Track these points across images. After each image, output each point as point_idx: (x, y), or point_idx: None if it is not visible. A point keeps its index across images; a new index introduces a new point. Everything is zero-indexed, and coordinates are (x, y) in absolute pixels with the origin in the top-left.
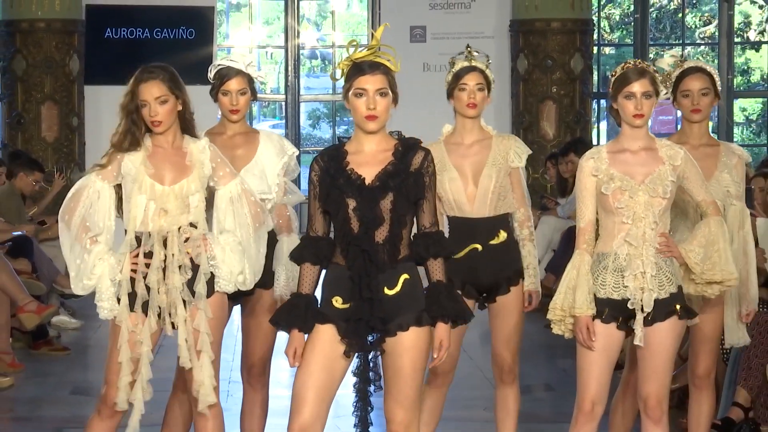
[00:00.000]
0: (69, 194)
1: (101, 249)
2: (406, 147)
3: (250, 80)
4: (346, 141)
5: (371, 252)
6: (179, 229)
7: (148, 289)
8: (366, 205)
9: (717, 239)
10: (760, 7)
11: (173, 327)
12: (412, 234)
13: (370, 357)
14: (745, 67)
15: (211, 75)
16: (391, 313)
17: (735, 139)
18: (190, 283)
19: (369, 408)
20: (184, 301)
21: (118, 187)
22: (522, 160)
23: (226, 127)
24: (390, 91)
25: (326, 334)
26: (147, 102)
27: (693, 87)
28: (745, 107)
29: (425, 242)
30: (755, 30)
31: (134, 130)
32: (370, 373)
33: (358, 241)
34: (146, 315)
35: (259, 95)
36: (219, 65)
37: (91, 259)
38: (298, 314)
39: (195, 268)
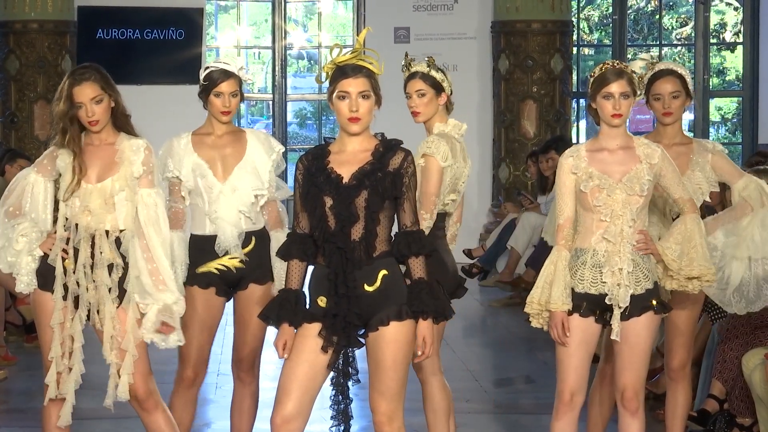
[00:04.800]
0: (8, 186)
1: (25, 226)
2: (387, 147)
3: (240, 83)
4: (332, 141)
5: (347, 249)
6: (107, 231)
7: (77, 283)
8: (341, 203)
9: (693, 236)
10: (735, 9)
11: (90, 322)
12: (394, 232)
13: (348, 352)
14: (721, 68)
15: (202, 76)
16: (373, 309)
17: (711, 138)
18: (121, 282)
19: (348, 401)
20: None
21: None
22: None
23: (215, 127)
24: (373, 94)
25: (312, 331)
26: (83, 103)
27: (664, 90)
28: (721, 106)
29: (407, 240)
30: (730, 31)
31: (71, 131)
32: (349, 368)
33: (334, 238)
34: (76, 309)
35: (246, 95)
36: (211, 68)
37: (15, 235)
38: (288, 308)
39: (124, 267)
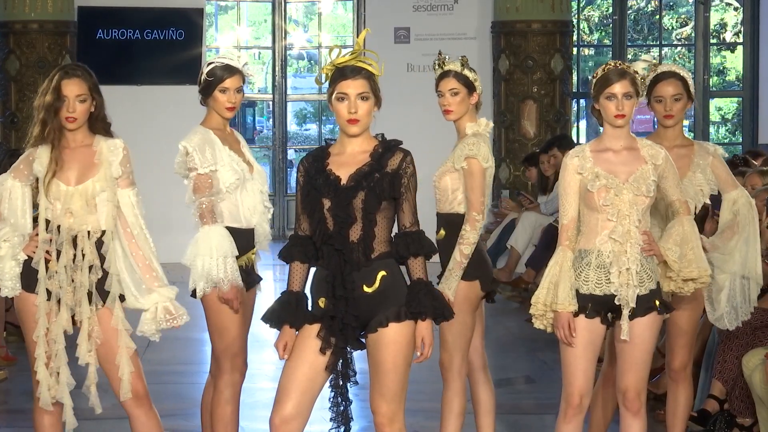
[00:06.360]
0: None
1: (6, 231)
2: (386, 148)
3: (243, 79)
4: (333, 143)
5: (345, 251)
6: (89, 232)
7: (59, 285)
8: (339, 205)
9: (691, 237)
10: (735, 9)
11: (76, 324)
12: (393, 233)
13: (347, 353)
14: (721, 68)
15: (205, 72)
16: (372, 310)
17: (711, 138)
18: (101, 284)
19: (347, 402)
20: (89, 299)
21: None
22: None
23: (224, 124)
24: (372, 95)
25: (313, 332)
26: (67, 98)
27: (665, 93)
28: (721, 107)
29: (405, 241)
30: (731, 32)
31: (52, 123)
32: (348, 370)
33: (332, 240)
34: (58, 310)
35: (246, 95)
36: (215, 63)
37: None
38: (289, 310)
39: (103, 269)
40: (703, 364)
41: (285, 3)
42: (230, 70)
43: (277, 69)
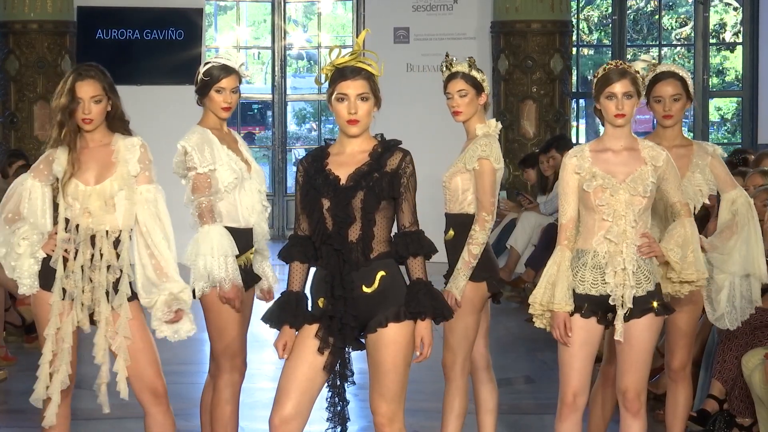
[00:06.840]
0: (6, 193)
1: (26, 229)
2: (385, 148)
3: (240, 79)
4: (332, 143)
5: (344, 251)
6: (107, 232)
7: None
8: (338, 205)
9: (692, 240)
10: (735, 9)
11: (93, 323)
12: (393, 233)
13: (345, 354)
14: (720, 68)
15: (201, 72)
16: (371, 310)
17: (710, 138)
18: (119, 283)
19: (344, 403)
20: (107, 299)
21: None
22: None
23: (221, 123)
24: (372, 96)
25: (313, 332)
26: (82, 99)
27: (664, 93)
28: (720, 107)
29: (404, 241)
30: (730, 32)
31: (68, 125)
32: (346, 370)
33: (331, 240)
34: (71, 308)
35: (246, 94)
36: (212, 63)
37: (16, 239)
38: (288, 310)
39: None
40: (703, 364)
41: (284, 3)
42: (227, 70)
43: (276, 69)
